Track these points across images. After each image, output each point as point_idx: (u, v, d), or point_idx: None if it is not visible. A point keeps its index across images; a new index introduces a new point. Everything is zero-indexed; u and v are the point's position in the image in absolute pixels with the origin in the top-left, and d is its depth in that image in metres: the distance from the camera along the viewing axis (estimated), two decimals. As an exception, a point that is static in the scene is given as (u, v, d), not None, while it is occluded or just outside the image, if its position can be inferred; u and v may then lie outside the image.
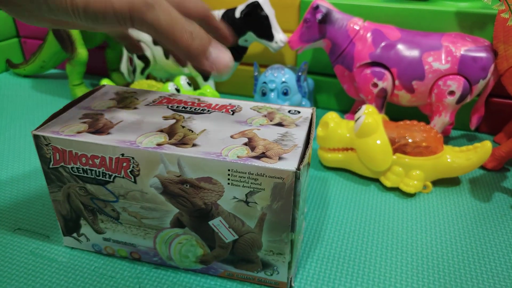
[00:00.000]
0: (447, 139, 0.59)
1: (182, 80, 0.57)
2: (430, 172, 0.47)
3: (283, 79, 0.56)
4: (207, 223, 0.32)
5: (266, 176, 0.28)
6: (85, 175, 0.32)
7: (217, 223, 0.31)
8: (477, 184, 0.49)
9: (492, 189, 0.48)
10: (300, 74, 0.56)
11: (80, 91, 0.68)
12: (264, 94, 0.57)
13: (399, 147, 0.46)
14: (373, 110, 0.47)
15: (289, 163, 0.28)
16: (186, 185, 0.30)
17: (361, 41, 0.53)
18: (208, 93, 0.55)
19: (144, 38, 0.63)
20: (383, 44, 0.52)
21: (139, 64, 0.65)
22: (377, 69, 0.53)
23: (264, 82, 0.56)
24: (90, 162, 0.31)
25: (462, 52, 0.49)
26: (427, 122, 0.54)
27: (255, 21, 0.56)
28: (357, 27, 0.54)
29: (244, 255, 0.33)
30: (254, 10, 0.56)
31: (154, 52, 0.64)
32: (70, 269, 0.36)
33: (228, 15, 0.58)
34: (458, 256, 0.38)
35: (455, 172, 0.47)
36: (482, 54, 0.49)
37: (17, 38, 0.82)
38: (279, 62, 0.66)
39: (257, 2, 0.56)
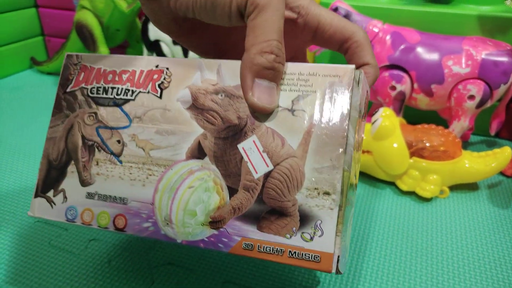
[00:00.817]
0: (466, 144, 0.58)
1: None
2: (447, 177, 0.46)
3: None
4: (235, 148, 0.26)
5: (319, 75, 0.25)
6: (104, 95, 0.30)
7: (248, 146, 0.26)
8: (495, 191, 0.48)
9: (511, 196, 0.47)
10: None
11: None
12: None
13: (416, 151, 0.46)
14: (390, 113, 0.47)
15: (346, 66, 0.25)
16: (221, 95, 0.27)
17: (380, 44, 0.53)
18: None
19: (163, 37, 0.64)
20: (402, 46, 0.52)
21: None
22: (396, 72, 0.52)
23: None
24: (117, 78, 0.30)
25: (483, 56, 0.49)
26: (446, 126, 0.53)
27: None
28: (376, 30, 0.53)
29: (277, 201, 0.25)
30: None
31: (173, 51, 0.65)
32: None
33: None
34: (474, 263, 0.37)
35: (473, 178, 0.47)
36: (504, 59, 0.48)
37: (42, 37, 0.84)
38: (296, 64, 0.66)
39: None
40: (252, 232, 0.25)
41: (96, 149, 0.30)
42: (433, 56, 0.51)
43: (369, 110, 0.63)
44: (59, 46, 0.83)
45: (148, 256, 0.37)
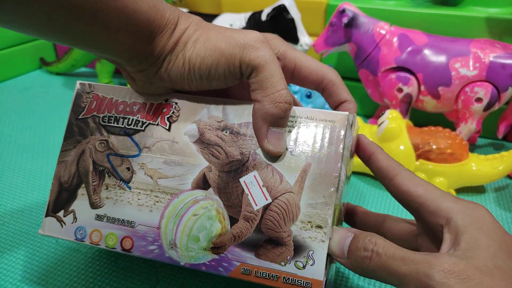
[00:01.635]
0: (473, 147, 0.58)
1: None
2: (454, 180, 0.46)
3: (307, 82, 0.56)
4: (237, 181, 0.28)
5: (316, 119, 0.28)
6: (115, 124, 0.32)
7: (249, 180, 0.28)
8: (502, 194, 0.48)
9: (518, 199, 0.47)
10: (324, 77, 0.56)
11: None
12: (287, 96, 0.57)
13: (422, 153, 0.46)
14: (397, 115, 0.47)
15: (341, 113, 0.28)
16: (226, 132, 0.29)
17: (387, 46, 0.53)
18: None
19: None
20: (409, 49, 0.52)
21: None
22: (403, 74, 0.52)
23: (288, 84, 0.57)
24: (128, 109, 0.32)
25: (491, 59, 0.48)
26: (453, 129, 0.53)
27: (281, 24, 0.57)
28: (383, 32, 0.53)
29: (274, 231, 0.27)
30: (280, 13, 0.56)
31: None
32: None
33: (255, 17, 0.59)
34: (480, 266, 0.37)
35: (480, 181, 0.46)
36: (512, 61, 0.48)
37: (51, 37, 0.85)
38: (303, 65, 0.67)
39: (284, 5, 0.56)
40: (250, 259, 0.27)
41: (106, 175, 0.31)
42: (440, 59, 0.51)
43: (376, 112, 0.63)
44: (67, 47, 0.84)
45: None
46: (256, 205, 0.28)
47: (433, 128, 0.48)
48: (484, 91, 0.49)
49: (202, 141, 0.30)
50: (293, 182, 0.27)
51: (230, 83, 0.29)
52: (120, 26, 0.26)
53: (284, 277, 0.27)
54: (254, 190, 0.28)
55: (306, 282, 0.26)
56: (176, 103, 0.31)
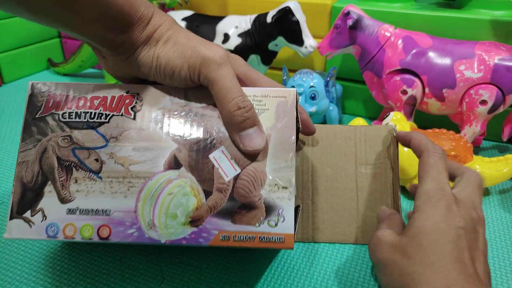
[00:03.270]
0: (478, 150, 0.58)
1: None
2: (458, 182, 0.46)
3: (311, 84, 0.56)
4: (207, 158, 0.31)
5: (270, 96, 0.32)
6: (77, 119, 0.32)
7: (218, 155, 0.31)
8: (507, 196, 0.48)
9: (523, 202, 0.47)
10: (328, 79, 0.57)
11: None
12: (292, 98, 0.57)
13: (426, 155, 0.46)
14: (401, 117, 0.47)
15: (289, 89, 0.32)
16: (191, 114, 0.32)
17: (391, 48, 0.53)
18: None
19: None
20: (414, 51, 0.52)
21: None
22: (407, 76, 0.52)
23: (292, 86, 0.57)
24: (88, 104, 0.33)
25: (495, 61, 0.48)
26: (457, 131, 0.53)
27: (286, 26, 0.57)
28: (388, 34, 0.54)
29: (246, 197, 0.30)
30: (285, 15, 0.57)
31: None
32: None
33: (260, 20, 0.59)
34: (483, 268, 0.37)
35: (484, 183, 0.46)
36: (517, 64, 0.48)
37: (59, 39, 0.86)
38: (308, 67, 0.67)
39: (289, 7, 0.56)
40: (227, 225, 0.30)
41: (74, 169, 0.32)
42: (445, 61, 0.51)
43: (380, 114, 0.63)
44: (75, 47, 0.85)
45: (158, 255, 0.38)
46: (227, 177, 0.31)
47: (438, 130, 0.48)
48: (488, 94, 0.49)
49: (168, 125, 0.32)
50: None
51: (190, 86, 0.32)
52: (94, 16, 0.28)
53: (259, 236, 0.30)
54: (223, 163, 0.31)
55: (279, 238, 0.30)
56: (137, 94, 0.33)
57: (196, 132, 0.31)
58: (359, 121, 0.50)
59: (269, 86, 0.34)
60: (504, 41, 0.53)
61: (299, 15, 0.57)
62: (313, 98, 0.56)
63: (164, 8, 0.69)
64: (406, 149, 0.45)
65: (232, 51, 0.59)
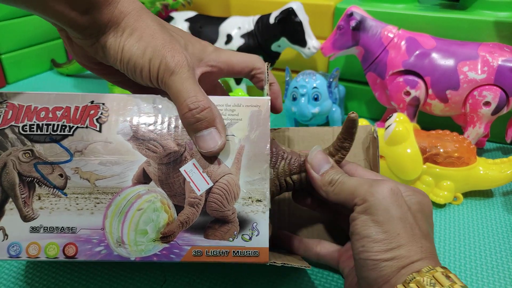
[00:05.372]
0: (481, 151, 0.57)
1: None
2: (461, 183, 0.46)
3: (314, 85, 0.56)
4: (177, 171, 0.30)
5: (243, 106, 0.30)
6: (38, 132, 0.30)
7: (189, 168, 0.30)
8: (510, 198, 0.47)
9: (526, 204, 0.47)
10: (331, 80, 0.57)
11: (118, 90, 0.71)
12: (294, 99, 0.57)
13: (430, 157, 0.46)
14: (404, 118, 0.47)
15: (263, 98, 0.31)
16: (159, 125, 0.30)
17: (394, 49, 0.53)
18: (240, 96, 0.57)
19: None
20: (417, 52, 0.52)
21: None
22: (410, 77, 0.52)
23: (295, 87, 0.57)
24: (50, 115, 0.31)
25: (499, 62, 0.48)
26: (460, 132, 0.53)
27: (289, 27, 0.57)
28: (391, 35, 0.53)
29: (219, 211, 0.29)
30: (289, 16, 0.57)
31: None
32: None
33: (263, 21, 0.59)
34: (487, 271, 0.37)
35: (488, 185, 0.46)
36: (521, 65, 0.48)
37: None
38: (311, 68, 0.67)
39: (292, 8, 0.56)
40: (200, 241, 0.29)
41: (37, 185, 0.30)
42: (449, 62, 0.50)
43: (383, 115, 0.63)
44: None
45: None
46: (199, 190, 0.29)
47: (441, 132, 0.48)
48: (492, 95, 0.49)
49: (137, 138, 0.30)
50: (231, 164, 0.30)
51: (156, 87, 0.30)
52: None
53: (233, 251, 0.29)
54: (195, 177, 0.30)
55: (254, 252, 0.29)
56: (103, 104, 0.31)
57: (166, 144, 0.30)
58: (361, 122, 0.50)
59: (240, 60, 0.34)
60: (508, 42, 0.53)
61: (302, 16, 0.57)
62: (316, 99, 0.56)
63: (167, 8, 0.69)
64: (408, 150, 0.45)
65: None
